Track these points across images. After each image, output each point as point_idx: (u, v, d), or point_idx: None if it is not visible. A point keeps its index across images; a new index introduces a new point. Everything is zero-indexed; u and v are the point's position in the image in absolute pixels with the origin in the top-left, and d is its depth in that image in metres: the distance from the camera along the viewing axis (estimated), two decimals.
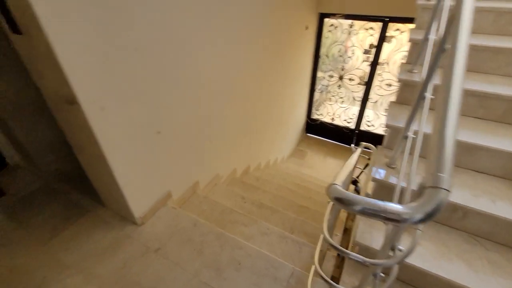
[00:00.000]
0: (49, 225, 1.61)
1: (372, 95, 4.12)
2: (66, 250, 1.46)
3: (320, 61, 4.21)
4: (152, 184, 1.64)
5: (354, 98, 4.32)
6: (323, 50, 4.12)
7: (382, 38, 3.56)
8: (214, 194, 2.17)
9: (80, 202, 1.76)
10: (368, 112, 4.34)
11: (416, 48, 1.54)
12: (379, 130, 4.45)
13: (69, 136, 1.37)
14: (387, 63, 3.75)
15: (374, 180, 1.25)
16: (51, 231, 1.58)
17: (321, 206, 2.53)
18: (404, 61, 1.70)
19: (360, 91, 4.18)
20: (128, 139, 1.36)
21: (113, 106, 1.23)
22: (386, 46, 3.63)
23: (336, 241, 1.14)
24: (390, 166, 1.30)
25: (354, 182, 3.82)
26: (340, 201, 0.61)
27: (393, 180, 1.21)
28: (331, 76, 4.30)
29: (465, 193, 1.18)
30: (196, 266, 1.39)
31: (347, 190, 0.64)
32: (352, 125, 4.61)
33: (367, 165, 3.62)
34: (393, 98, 4.02)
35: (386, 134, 1.42)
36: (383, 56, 3.71)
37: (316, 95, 4.62)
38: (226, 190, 2.25)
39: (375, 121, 4.40)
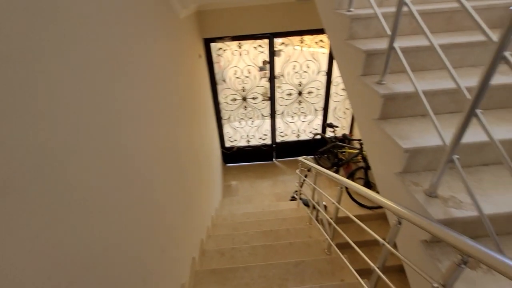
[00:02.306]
0: None
1: (278, 107, 4.18)
2: None
3: (219, 87, 3.88)
4: None
5: (262, 115, 4.25)
6: (218, 76, 3.80)
7: (272, 53, 3.62)
8: None
9: None
10: (278, 124, 4.39)
11: (373, 58, 1.44)
12: (292, 137, 4.59)
13: None
14: (283, 75, 3.87)
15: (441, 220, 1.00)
16: None
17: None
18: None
19: (266, 107, 4.16)
20: None
21: None
22: (277, 60, 3.72)
23: None
24: (431, 195, 1.09)
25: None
26: None
27: (464, 213, 0.99)
28: (234, 100, 4.06)
29: None
30: None
31: None
32: (268, 141, 4.55)
33: (305, 176, 3.59)
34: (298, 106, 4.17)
35: (404, 158, 1.21)
36: (277, 70, 3.80)
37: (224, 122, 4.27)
38: None
39: (287, 131, 4.51)
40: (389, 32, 1.23)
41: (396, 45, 1.24)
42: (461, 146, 0.95)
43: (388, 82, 1.37)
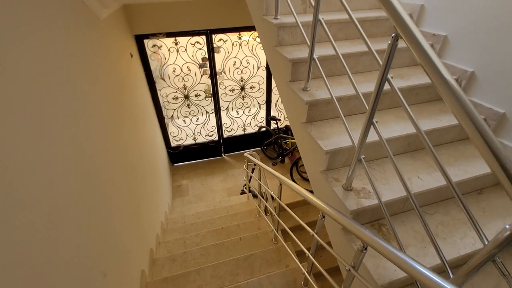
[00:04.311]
0: None
1: (222, 103, 4.19)
2: None
3: (158, 85, 3.68)
4: None
5: (207, 112, 4.21)
6: (155, 74, 3.60)
7: (211, 49, 3.57)
8: None
9: None
10: (224, 119, 4.41)
11: (298, 66, 1.57)
12: (239, 131, 4.68)
13: None
14: (224, 72, 3.86)
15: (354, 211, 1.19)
16: None
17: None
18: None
19: (209, 103, 4.12)
20: None
21: None
22: (217, 57, 3.69)
23: None
24: (348, 189, 1.29)
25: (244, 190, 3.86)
26: None
27: (371, 202, 1.20)
28: (176, 98, 3.91)
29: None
30: None
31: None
32: (215, 137, 4.55)
33: (253, 170, 3.73)
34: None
35: (326, 159, 1.38)
36: (218, 66, 3.77)
37: (167, 121, 4.10)
38: None
39: (233, 125, 4.57)
40: (309, 43, 1.35)
41: (315, 55, 1.38)
42: (368, 144, 1.14)
43: (312, 89, 1.52)
